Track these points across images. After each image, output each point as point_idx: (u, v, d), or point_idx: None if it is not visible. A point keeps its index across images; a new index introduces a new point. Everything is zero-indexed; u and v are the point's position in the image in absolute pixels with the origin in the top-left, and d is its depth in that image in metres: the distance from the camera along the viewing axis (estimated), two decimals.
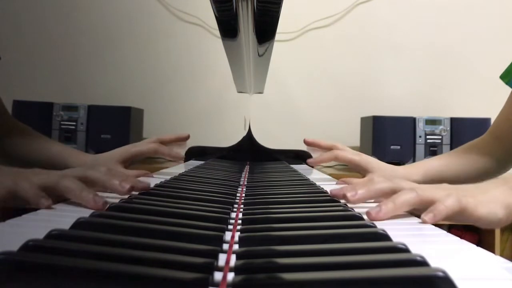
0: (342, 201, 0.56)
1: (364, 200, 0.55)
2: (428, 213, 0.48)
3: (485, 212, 0.51)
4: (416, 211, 0.54)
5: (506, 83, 0.91)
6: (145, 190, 0.57)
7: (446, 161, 0.95)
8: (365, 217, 0.47)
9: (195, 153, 1.41)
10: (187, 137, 0.96)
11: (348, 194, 0.54)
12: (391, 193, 0.53)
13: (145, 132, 2.26)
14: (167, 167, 0.95)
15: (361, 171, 0.94)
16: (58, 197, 0.51)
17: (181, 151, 0.95)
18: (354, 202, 0.55)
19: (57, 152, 0.90)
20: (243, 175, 0.93)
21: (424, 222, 0.48)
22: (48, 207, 0.47)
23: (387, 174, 0.88)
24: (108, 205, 0.47)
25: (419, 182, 0.69)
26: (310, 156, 1.46)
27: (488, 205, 0.51)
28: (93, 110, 2.04)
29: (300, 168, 1.20)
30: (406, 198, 0.50)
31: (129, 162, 0.90)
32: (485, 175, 0.97)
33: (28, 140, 0.91)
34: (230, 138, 1.45)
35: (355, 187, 0.56)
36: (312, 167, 1.12)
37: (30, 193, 0.48)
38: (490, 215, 0.51)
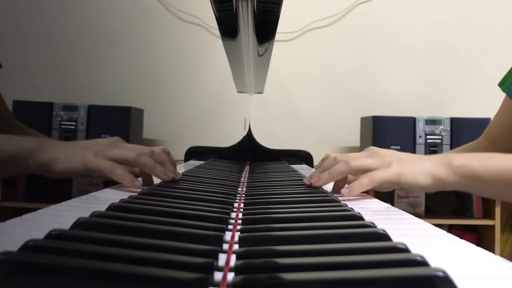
0: (342, 201, 0.56)
1: (327, 183, 0.64)
2: (346, 189, 0.60)
3: (408, 179, 0.59)
4: (378, 189, 0.65)
5: (503, 91, 0.92)
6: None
7: None
8: (365, 217, 0.46)
9: (195, 153, 1.41)
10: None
11: (312, 181, 0.64)
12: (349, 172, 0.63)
13: (145, 132, 2.26)
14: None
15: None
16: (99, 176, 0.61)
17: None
18: (318, 186, 0.64)
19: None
20: (243, 175, 0.93)
21: (342, 194, 0.60)
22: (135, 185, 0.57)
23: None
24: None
25: None
26: (310, 156, 1.46)
27: (412, 174, 0.60)
28: (93, 110, 2.04)
29: (300, 168, 1.20)
30: (339, 168, 0.62)
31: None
32: None
33: None
34: (230, 138, 1.45)
35: (322, 169, 0.66)
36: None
37: (118, 173, 0.58)
38: (412, 181, 0.60)
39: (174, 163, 0.75)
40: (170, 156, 0.70)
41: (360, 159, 0.62)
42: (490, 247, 1.89)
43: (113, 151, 0.60)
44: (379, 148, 0.65)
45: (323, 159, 0.91)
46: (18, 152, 0.60)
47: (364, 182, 0.59)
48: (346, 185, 0.62)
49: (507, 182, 0.61)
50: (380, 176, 0.59)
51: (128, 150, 0.62)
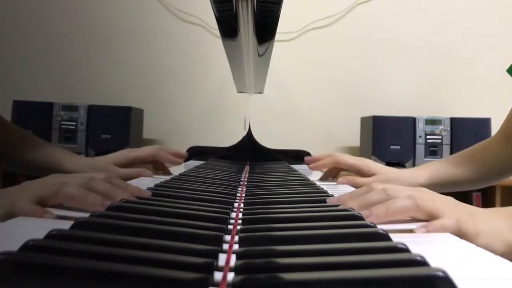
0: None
1: (384, 220, 0.48)
2: (422, 227, 0.45)
3: (483, 244, 0.46)
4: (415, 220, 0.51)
5: None
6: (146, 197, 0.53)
7: (451, 165, 0.93)
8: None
9: (195, 153, 1.41)
10: (184, 155, 0.93)
11: (364, 215, 0.47)
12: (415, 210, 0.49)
13: (145, 132, 2.26)
14: (167, 167, 0.95)
15: (363, 176, 0.92)
16: (57, 205, 0.48)
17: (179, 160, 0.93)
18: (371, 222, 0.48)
19: (53, 156, 0.89)
20: (243, 175, 0.93)
21: (418, 231, 0.45)
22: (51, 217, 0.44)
23: (390, 177, 0.87)
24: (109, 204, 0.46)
25: (424, 186, 0.68)
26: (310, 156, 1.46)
27: (488, 237, 0.48)
28: (93, 110, 2.04)
29: (300, 168, 1.20)
30: (401, 205, 0.47)
31: (126, 167, 0.89)
32: (489, 180, 0.95)
33: (27, 148, 0.90)
34: (230, 138, 1.45)
35: (369, 200, 0.51)
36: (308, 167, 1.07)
37: (29, 211, 0.44)
38: (488, 248, 0.45)
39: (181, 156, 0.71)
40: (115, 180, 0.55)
41: (430, 202, 0.48)
42: None
43: (28, 191, 0.47)
44: (434, 192, 0.52)
45: (330, 158, 0.89)
46: None
47: (437, 229, 0.45)
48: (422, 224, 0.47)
49: None
50: (454, 228, 0.46)
51: (45, 186, 0.48)
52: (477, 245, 0.43)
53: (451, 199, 0.52)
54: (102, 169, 0.83)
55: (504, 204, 1.94)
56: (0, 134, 0.92)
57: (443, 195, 0.52)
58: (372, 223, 0.40)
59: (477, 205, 2.01)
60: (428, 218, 0.47)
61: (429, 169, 0.92)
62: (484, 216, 0.50)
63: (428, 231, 0.45)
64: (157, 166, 0.93)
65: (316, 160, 0.92)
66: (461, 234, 0.46)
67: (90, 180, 0.50)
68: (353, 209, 0.48)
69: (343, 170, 0.93)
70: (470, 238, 0.46)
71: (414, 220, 0.49)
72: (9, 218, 0.43)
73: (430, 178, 0.88)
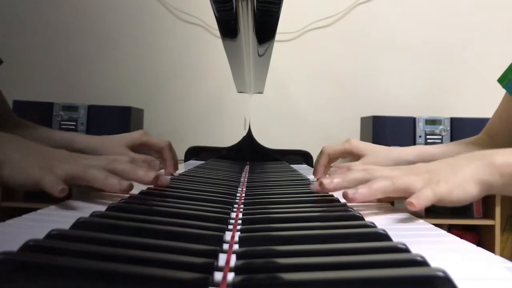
0: (343, 200, 0.56)
1: (339, 188, 0.57)
2: (409, 205, 0.50)
3: (459, 195, 0.53)
4: (391, 199, 0.59)
5: (503, 87, 0.92)
6: (165, 186, 0.58)
7: (442, 150, 0.95)
8: (365, 217, 0.46)
9: (195, 153, 1.41)
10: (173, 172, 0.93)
11: (325, 182, 0.57)
12: (366, 182, 0.55)
13: None
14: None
15: (356, 159, 0.93)
16: (80, 186, 0.55)
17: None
18: (329, 190, 0.58)
19: (62, 138, 0.91)
20: (243, 175, 0.93)
21: (411, 207, 0.50)
22: (63, 195, 0.50)
23: (381, 156, 0.88)
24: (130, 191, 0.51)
25: (412, 163, 0.70)
26: (310, 156, 1.46)
27: (461, 187, 0.53)
28: (93, 110, 2.04)
29: (300, 168, 1.20)
30: (381, 185, 0.54)
31: (135, 150, 0.90)
32: None
33: (33, 131, 0.92)
34: (230, 138, 1.45)
35: (332, 176, 0.59)
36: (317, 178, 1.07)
37: (53, 188, 0.49)
38: (464, 196, 0.53)
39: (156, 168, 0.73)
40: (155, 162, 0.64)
41: (404, 177, 0.55)
42: (490, 247, 1.89)
43: (62, 167, 0.53)
44: (408, 150, 0.60)
45: (321, 154, 0.90)
46: None
47: (423, 201, 0.50)
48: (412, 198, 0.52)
49: None
50: (431, 196, 0.51)
51: (75, 166, 0.54)
52: (453, 199, 0.52)
53: (419, 166, 0.58)
54: (112, 151, 0.86)
55: (503, 200, 1.94)
56: (6, 123, 0.92)
57: (412, 165, 0.59)
58: (372, 223, 0.40)
59: (477, 204, 2.01)
60: (405, 195, 0.53)
61: (419, 148, 0.94)
62: (453, 167, 0.55)
63: (417, 207, 0.50)
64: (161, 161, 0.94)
65: (316, 171, 0.92)
66: (437, 199, 0.52)
67: (112, 161, 0.57)
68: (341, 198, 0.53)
69: (344, 156, 0.93)
70: (446, 196, 0.52)
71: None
72: (37, 184, 0.50)
73: (419, 156, 0.89)
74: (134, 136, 0.92)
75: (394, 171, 0.58)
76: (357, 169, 0.60)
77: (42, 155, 0.55)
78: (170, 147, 0.89)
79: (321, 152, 0.90)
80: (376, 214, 0.53)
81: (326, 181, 0.57)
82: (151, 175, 0.56)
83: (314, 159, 1.44)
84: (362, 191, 0.53)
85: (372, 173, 0.57)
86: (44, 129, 0.95)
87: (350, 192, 0.53)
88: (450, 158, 0.59)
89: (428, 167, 0.58)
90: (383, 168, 0.60)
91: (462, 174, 0.54)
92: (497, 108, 0.97)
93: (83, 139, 0.91)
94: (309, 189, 0.65)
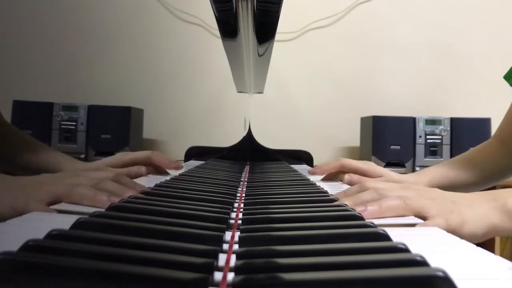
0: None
1: (374, 218, 0.52)
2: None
3: (469, 231, 0.52)
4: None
5: (511, 85, 0.91)
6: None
7: (451, 169, 0.94)
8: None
9: (195, 153, 1.41)
10: (179, 166, 0.93)
11: (358, 210, 0.51)
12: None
13: (145, 132, 2.26)
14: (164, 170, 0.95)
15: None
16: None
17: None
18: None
19: (53, 160, 0.91)
20: (243, 175, 0.93)
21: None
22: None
23: (394, 181, 0.87)
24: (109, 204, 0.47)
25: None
26: (310, 156, 1.46)
27: (472, 224, 0.52)
28: (93, 110, 2.04)
29: (300, 168, 1.20)
30: (392, 204, 0.52)
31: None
32: (489, 183, 0.96)
33: (27, 150, 0.92)
34: (230, 138, 1.45)
35: (362, 198, 0.56)
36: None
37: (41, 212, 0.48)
38: (473, 233, 0.53)
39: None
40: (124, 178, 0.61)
41: (416, 201, 0.53)
42: (490, 247, 1.89)
43: (46, 190, 0.52)
44: (420, 187, 0.58)
45: (335, 162, 0.90)
46: None
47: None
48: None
49: None
50: (443, 225, 0.50)
51: (58, 187, 0.52)
52: (463, 233, 0.51)
53: (435, 190, 0.58)
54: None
55: None
56: (1, 136, 0.92)
57: (427, 188, 0.59)
58: (372, 223, 0.40)
59: None
60: (415, 215, 0.52)
61: (431, 174, 0.93)
62: (467, 201, 0.55)
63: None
64: (155, 169, 0.93)
65: (321, 167, 0.93)
66: (448, 227, 0.50)
67: (99, 181, 0.56)
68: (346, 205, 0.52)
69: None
70: (457, 229, 0.51)
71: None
72: (22, 214, 0.46)
73: (431, 183, 0.89)
74: (115, 157, 0.91)
75: (408, 192, 0.56)
76: (369, 191, 0.58)
77: (21, 184, 0.53)
78: (154, 153, 0.90)
79: (337, 160, 0.90)
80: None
81: (359, 208, 0.52)
82: (112, 200, 0.52)
83: (314, 159, 1.45)
84: (371, 209, 0.52)
85: (383, 193, 0.56)
86: (41, 146, 0.95)
87: (359, 209, 0.51)
88: (467, 194, 0.58)
89: (444, 194, 0.57)
90: (396, 188, 0.58)
91: (476, 210, 0.53)
92: (507, 113, 0.96)
93: (71, 164, 0.90)
94: (309, 189, 0.65)
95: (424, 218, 0.51)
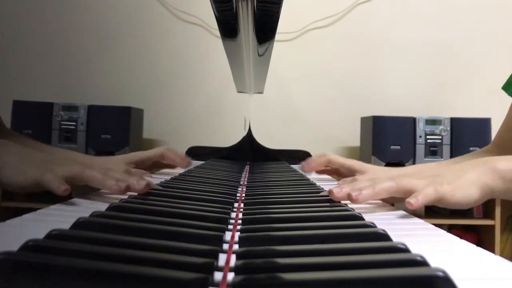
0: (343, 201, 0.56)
1: (369, 200, 0.56)
2: (409, 204, 0.52)
3: (461, 197, 0.55)
4: (394, 200, 0.60)
5: (510, 95, 0.91)
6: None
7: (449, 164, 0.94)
8: (365, 216, 0.47)
9: (195, 153, 1.41)
10: (188, 164, 0.94)
11: (335, 191, 0.55)
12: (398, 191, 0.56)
13: (145, 132, 2.26)
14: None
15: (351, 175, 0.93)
16: (79, 186, 0.57)
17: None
18: (338, 199, 0.55)
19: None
20: (243, 175, 0.93)
21: (409, 206, 0.52)
22: (66, 193, 0.52)
23: (381, 173, 0.88)
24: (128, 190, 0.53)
25: None
26: (310, 156, 1.46)
27: (464, 189, 0.55)
28: (93, 110, 2.04)
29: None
30: (384, 185, 0.55)
31: (135, 166, 0.91)
32: None
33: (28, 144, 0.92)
34: (230, 138, 1.45)
35: (358, 185, 0.57)
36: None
37: (54, 185, 0.52)
38: (466, 198, 0.55)
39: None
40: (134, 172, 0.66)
41: (406, 180, 0.56)
42: (490, 247, 1.89)
43: (60, 168, 0.55)
44: (409, 167, 0.62)
45: (322, 157, 0.91)
46: None
47: (421, 199, 0.53)
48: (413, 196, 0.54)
49: None
50: (432, 193, 0.53)
51: (74, 167, 0.56)
52: (457, 199, 0.54)
53: (423, 166, 0.63)
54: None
55: (503, 201, 1.94)
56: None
57: (415, 167, 0.64)
58: (372, 223, 0.40)
59: (477, 206, 2.01)
60: (407, 195, 0.54)
61: (420, 166, 0.93)
62: (457, 172, 0.57)
63: (415, 206, 0.52)
64: (162, 165, 0.94)
65: (309, 165, 0.93)
66: (439, 198, 0.54)
67: (108, 170, 0.59)
68: (346, 206, 0.53)
69: (337, 171, 0.93)
70: (448, 196, 0.54)
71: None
72: (38, 183, 0.53)
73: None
74: (132, 153, 0.93)
75: (399, 174, 0.59)
76: (363, 179, 0.62)
77: (40, 157, 0.58)
78: (166, 149, 0.91)
79: (323, 156, 0.91)
80: (375, 213, 0.53)
81: (336, 190, 0.56)
82: (142, 183, 0.56)
83: None
84: (366, 192, 0.54)
85: (376, 181, 0.58)
86: (46, 146, 0.96)
87: (354, 193, 0.53)
88: (455, 165, 0.61)
89: (432, 171, 0.60)
90: (387, 175, 0.61)
91: (465, 178, 0.56)
92: (505, 118, 0.96)
93: (84, 160, 0.92)
94: (309, 189, 0.65)
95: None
